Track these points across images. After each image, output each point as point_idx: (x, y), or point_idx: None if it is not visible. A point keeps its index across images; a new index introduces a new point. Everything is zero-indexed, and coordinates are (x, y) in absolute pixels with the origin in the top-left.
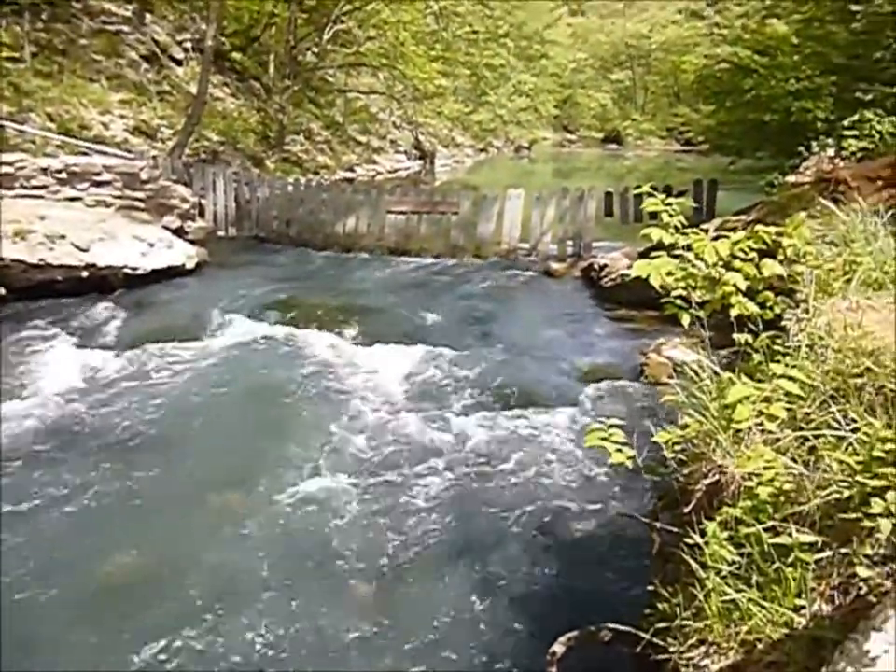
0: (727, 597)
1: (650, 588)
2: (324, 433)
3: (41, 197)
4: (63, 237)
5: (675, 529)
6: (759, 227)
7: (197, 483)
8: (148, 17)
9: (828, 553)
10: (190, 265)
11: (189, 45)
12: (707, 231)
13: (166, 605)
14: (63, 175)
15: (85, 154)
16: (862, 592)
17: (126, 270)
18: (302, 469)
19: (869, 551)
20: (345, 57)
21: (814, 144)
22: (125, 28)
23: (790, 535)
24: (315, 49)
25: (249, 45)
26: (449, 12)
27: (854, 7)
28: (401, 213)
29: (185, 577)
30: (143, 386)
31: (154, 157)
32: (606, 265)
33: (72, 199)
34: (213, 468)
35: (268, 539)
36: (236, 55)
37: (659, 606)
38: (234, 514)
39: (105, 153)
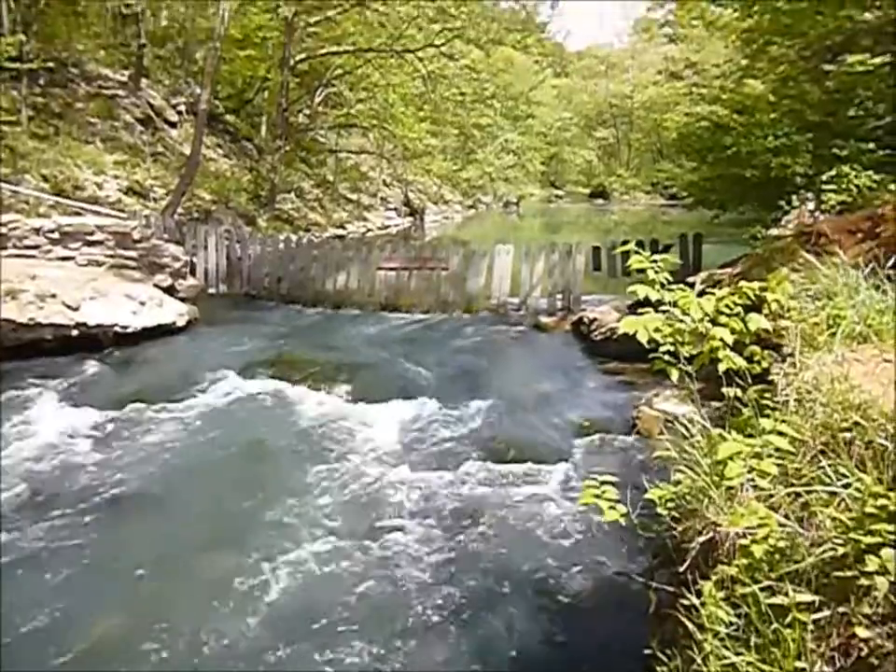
0: (726, 661)
1: (647, 651)
2: (314, 492)
3: (33, 257)
4: (53, 296)
5: (671, 589)
6: (743, 283)
7: (184, 545)
8: (144, 81)
9: (826, 612)
10: (181, 323)
11: (183, 108)
12: (693, 285)
13: (150, 669)
14: (56, 235)
15: (78, 214)
16: (863, 653)
17: (116, 328)
18: (292, 530)
19: (868, 610)
20: (336, 118)
21: (794, 198)
22: (121, 92)
23: (786, 594)
24: (307, 111)
25: (242, 107)
26: (437, 75)
27: (826, 67)
28: (392, 269)
29: (171, 642)
30: (129, 446)
31: (147, 216)
32: (595, 319)
33: (64, 258)
34: (200, 529)
35: (256, 602)
36: (229, 117)
37: (657, 669)
38: (221, 577)
39: (97, 213)
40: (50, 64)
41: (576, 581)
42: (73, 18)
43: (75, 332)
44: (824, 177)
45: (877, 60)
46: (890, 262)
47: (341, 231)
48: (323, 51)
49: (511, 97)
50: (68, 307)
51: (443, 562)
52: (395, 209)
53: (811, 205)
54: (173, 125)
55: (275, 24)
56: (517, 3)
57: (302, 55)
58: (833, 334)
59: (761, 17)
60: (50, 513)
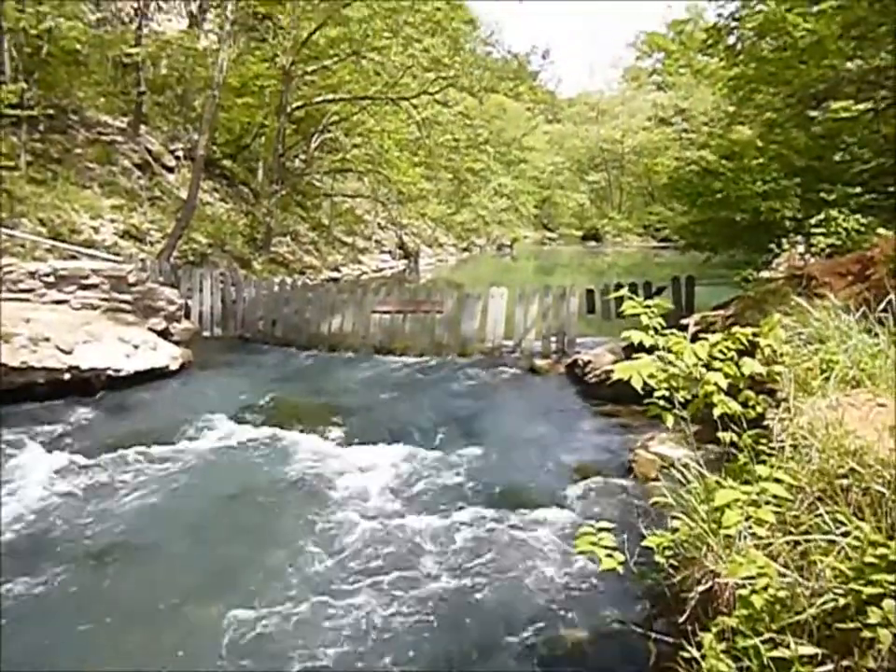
0: None
1: None
2: (306, 539)
3: (28, 300)
4: (46, 339)
5: (671, 640)
6: (736, 328)
7: (171, 595)
8: (143, 128)
9: (829, 666)
10: (174, 366)
11: (181, 153)
12: (686, 327)
13: None
14: (51, 279)
15: (74, 258)
16: None
17: (109, 372)
18: (284, 578)
19: (872, 664)
20: (332, 163)
21: (784, 241)
22: (119, 138)
23: (788, 647)
24: (303, 156)
25: (239, 152)
26: (431, 121)
27: (812, 114)
28: (386, 312)
29: None
30: (118, 492)
31: (142, 260)
32: (590, 361)
33: (58, 301)
34: (189, 578)
35: (246, 652)
36: (226, 162)
37: None
38: (211, 627)
39: (93, 257)
40: (51, 111)
41: (574, 629)
42: (74, 66)
43: (67, 376)
44: (813, 221)
45: (861, 106)
46: (881, 306)
47: (336, 274)
48: (319, 99)
49: (504, 142)
50: (61, 350)
51: (436, 609)
52: (389, 252)
53: (801, 248)
54: (170, 170)
55: (273, 73)
56: (509, 53)
57: (299, 102)
58: (827, 379)
59: (746, 66)
60: (36, 562)
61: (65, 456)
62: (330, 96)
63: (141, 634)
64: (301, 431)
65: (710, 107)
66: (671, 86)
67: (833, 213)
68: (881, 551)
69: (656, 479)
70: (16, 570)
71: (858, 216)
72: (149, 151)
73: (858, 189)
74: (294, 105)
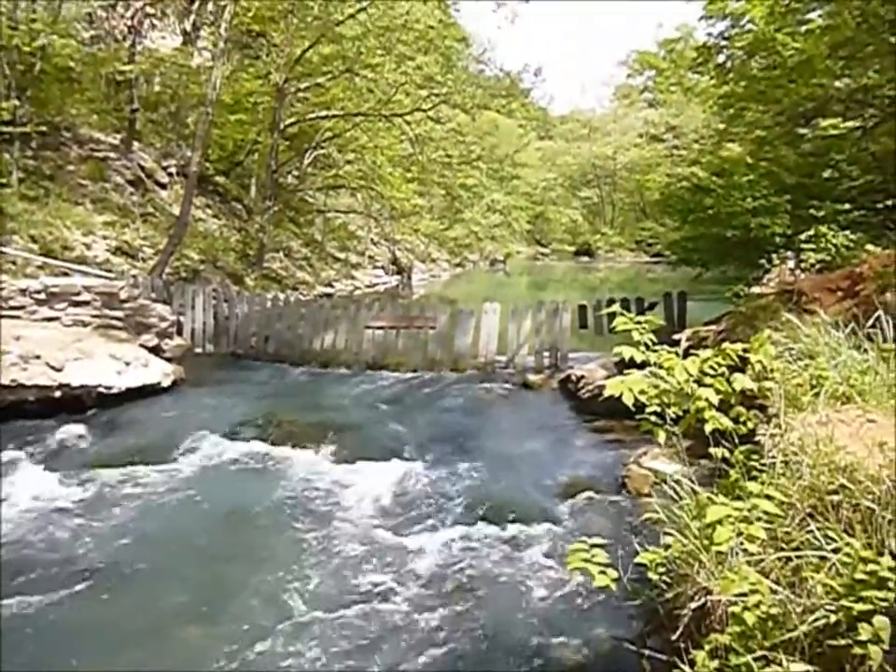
0: None
1: None
2: (299, 557)
3: (18, 318)
4: (37, 357)
5: (664, 657)
6: (726, 344)
7: (163, 616)
8: (136, 144)
9: None
10: (166, 383)
11: (174, 169)
12: (678, 342)
13: None
14: (42, 296)
15: (66, 275)
16: None
17: (100, 389)
18: (277, 597)
19: None
20: (325, 179)
21: (774, 256)
22: (112, 155)
23: (780, 664)
24: (296, 173)
25: (232, 169)
26: (424, 138)
27: (801, 131)
28: (379, 328)
29: None
30: (108, 512)
31: (135, 276)
32: (583, 376)
33: (49, 319)
34: (181, 598)
35: None
36: (219, 178)
37: None
38: (201, 648)
39: (85, 273)
40: (43, 128)
41: (567, 647)
42: (67, 83)
43: (58, 393)
44: (803, 237)
45: (849, 124)
46: (870, 322)
47: (329, 290)
48: (312, 115)
49: (496, 159)
50: (52, 368)
51: (430, 628)
52: (382, 267)
53: (791, 264)
54: (163, 186)
55: (266, 90)
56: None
57: (292, 119)
58: (817, 394)
59: (736, 84)
60: (26, 584)
61: (56, 475)
62: (324, 113)
63: (132, 655)
64: (294, 448)
65: (701, 125)
66: (662, 103)
67: (823, 229)
68: (871, 567)
69: (649, 494)
70: (5, 590)
71: (847, 232)
72: (142, 168)
73: (847, 206)
74: (287, 122)
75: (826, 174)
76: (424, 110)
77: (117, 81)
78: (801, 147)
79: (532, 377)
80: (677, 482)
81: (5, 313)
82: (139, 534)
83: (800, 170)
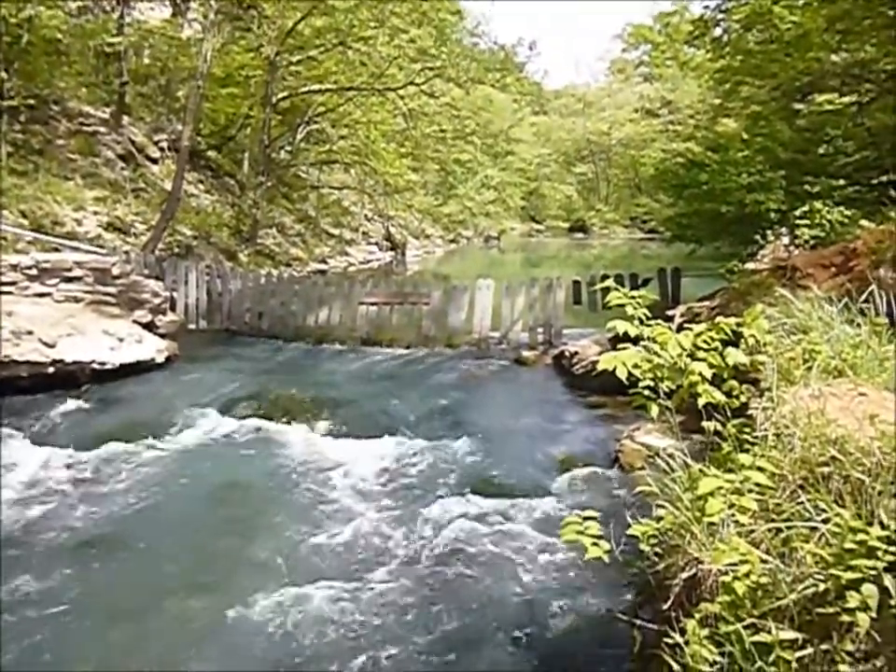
0: None
1: None
2: (292, 531)
3: (10, 293)
4: (29, 333)
5: (655, 626)
6: (720, 318)
7: (159, 589)
8: (126, 119)
9: (809, 650)
10: (160, 359)
11: (165, 144)
12: (672, 318)
13: None
14: (34, 272)
15: (57, 250)
16: None
17: (94, 365)
18: (271, 571)
19: (850, 647)
20: (318, 154)
21: (769, 232)
22: (102, 129)
23: (770, 632)
24: (289, 148)
25: (224, 144)
26: (418, 113)
27: (797, 106)
28: (373, 304)
29: None
30: (104, 487)
31: (127, 252)
32: (576, 352)
33: (41, 294)
34: (177, 572)
35: (235, 644)
36: (211, 153)
37: None
38: (198, 619)
39: (76, 249)
40: (31, 102)
41: (559, 619)
42: (55, 56)
43: (51, 369)
44: (797, 213)
45: (845, 99)
46: (863, 297)
47: (322, 266)
48: (305, 89)
49: (490, 134)
50: (45, 344)
51: (424, 600)
52: (376, 244)
53: (785, 240)
54: (154, 161)
55: (258, 63)
56: (496, 44)
57: (285, 93)
58: (810, 368)
59: (732, 58)
60: (19, 560)
61: (51, 450)
62: (316, 87)
63: (127, 627)
64: (289, 423)
65: (696, 100)
66: (658, 78)
67: (818, 205)
68: (860, 537)
69: (642, 469)
70: (2, 564)
71: (841, 208)
72: (133, 142)
73: (842, 182)
74: (279, 96)
75: (821, 149)
76: (417, 84)
77: (105, 53)
78: (796, 123)
79: (526, 353)
80: (670, 455)
81: None
82: (135, 507)
83: (795, 145)
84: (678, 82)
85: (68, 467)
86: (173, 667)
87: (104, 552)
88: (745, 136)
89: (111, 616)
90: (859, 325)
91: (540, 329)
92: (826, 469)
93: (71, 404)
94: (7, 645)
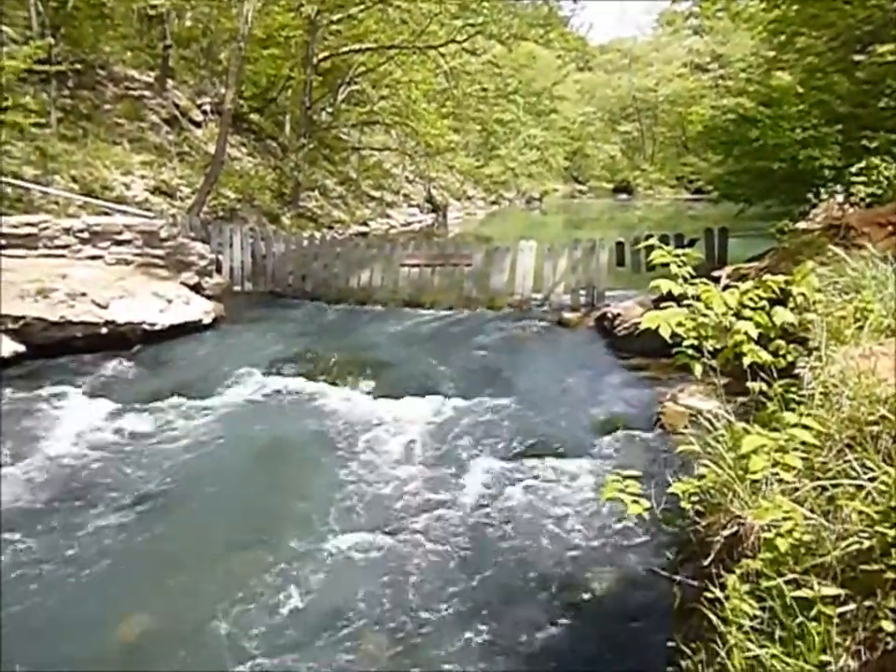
0: (750, 653)
1: (671, 644)
2: (338, 489)
3: (63, 256)
4: (83, 295)
5: (695, 583)
6: (767, 276)
7: (210, 542)
8: (170, 82)
9: (852, 606)
10: (207, 320)
11: (208, 107)
12: (718, 280)
13: (180, 667)
14: (85, 235)
15: (106, 214)
16: (889, 647)
17: (144, 326)
18: (317, 526)
19: (894, 604)
20: (359, 116)
21: (822, 191)
22: (147, 93)
23: (812, 588)
24: (330, 109)
25: (266, 106)
26: (459, 71)
27: (856, 58)
28: (415, 266)
29: (198, 639)
30: (156, 443)
31: (173, 215)
32: (619, 314)
33: (93, 257)
34: (226, 526)
35: (283, 597)
36: (253, 116)
37: (681, 663)
38: (249, 574)
39: (125, 213)
40: (78, 67)
41: (600, 576)
42: (100, 20)
43: (104, 330)
44: (853, 170)
45: None
46: None
47: (364, 229)
48: (345, 49)
49: (533, 92)
50: (98, 305)
51: (466, 557)
52: (417, 206)
53: (840, 198)
54: (198, 125)
55: (298, 23)
56: None
57: (325, 53)
58: (861, 328)
59: (787, 8)
60: (79, 510)
61: (105, 408)
62: (357, 46)
63: (180, 580)
64: (333, 384)
65: (749, 53)
66: (708, 31)
67: (875, 161)
68: None
69: (684, 430)
70: (57, 517)
71: None
72: (177, 106)
73: None
74: (320, 56)
75: (881, 103)
76: (459, 42)
77: (148, 16)
78: (855, 75)
79: (568, 315)
80: (714, 415)
81: (50, 252)
82: (186, 463)
83: (853, 99)
84: (729, 35)
85: (121, 424)
86: (227, 618)
87: (155, 506)
88: (800, 90)
89: (165, 566)
90: None
91: (583, 291)
92: (875, 429)
93: (123, 364)
94: (65, 587)
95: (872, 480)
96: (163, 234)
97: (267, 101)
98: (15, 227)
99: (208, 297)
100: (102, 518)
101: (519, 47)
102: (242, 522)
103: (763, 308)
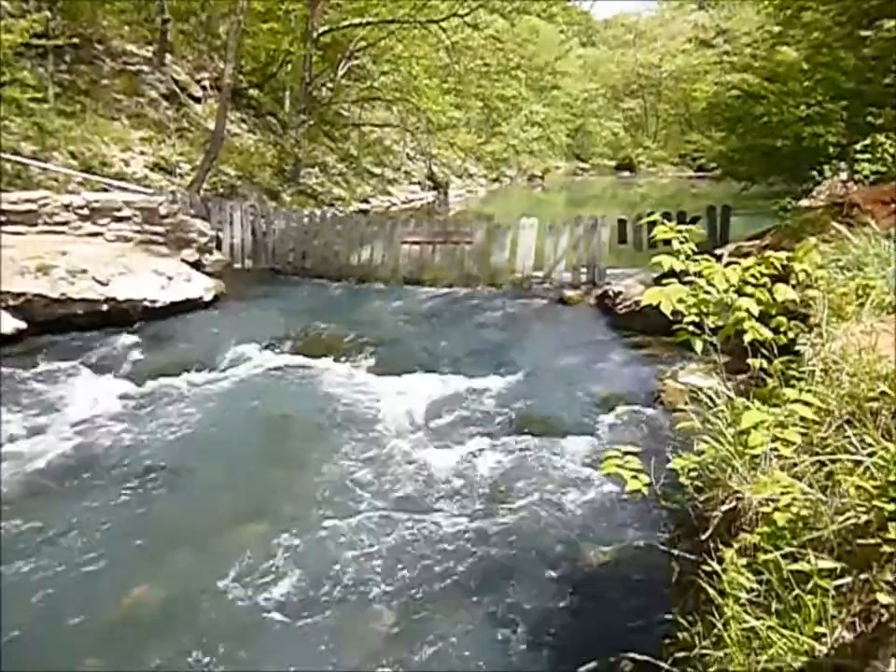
0: (747, 625)
1: (669, 617)
2: (340, 464)
3: (63, 233)
4: (84, 271)
5: (693, 557)
6: (769, 252)
7: (212, 516)
8: (168, 57)
9: (848, 579)
10: (208, 298)
11: (207, 83)
12: (720, 257)
13: (183, 639)
14: (85, 212)
15: (106, 190)
16: (884, 619)
17: (145, 303)
18: (318, 501)
19: (889, 577)
20: (360, 92)
21: (826, 168)
22: (145, 68)
23: (808, 561)
24: (330, 85)
25: (266, 82)
26: (461, 46)
27: (863, 33)
28: (416, 243)
29: (201, 611)
30: (159, 418)
31: (173, 192)
32: (620, 292)
33: (93, 234)
34: (228, 500)
35: (285, 571)
36: (253, 92)
37: (679, 635)
38: (250, 548)
39: (125, 189)
40: (76, 41)
41: (599, 550)
42: None
43: (105, 307)
44: (858, 147)
45: None
46: None
47: (364, 206)
48: (346, 23)
49: (536, 68)
50: (98, 282)
51: (467, 532)
52: (419, 183)
53: (844, 176)
54: (197, 100)
55: None
56: None
57: (325, 27)
58: (862, 304)
59: None
60: (82, 485)
61: (107, 383)
62: (357, 20)
63: (183, 551)
64: (334, 361)
65: (754, 28)
66: (713, 5)
67: (880, 138)
68: None
69: (684, 408)
70: (61, 491)
71: None
72: (176, 81)
73: None
74: (320, 31)
75: (888, 79)
76: (461, 16)
77: None
78: (861, 51)
79: (569, 293)
80: (714, 392)
81: (50, 228)
82: (189, 438)
83: (859, 75)
84: (734, 9)
85: (123, 399)
86: (229, 591)
87: (158, 481)
88: (805, 66)
89: (170, 540)
90: None
91: (584, 269)
92: (875, 405)
93: (124, 340)
94: (72, 563)
95: (870, 455)
96: (163, 211)
97: (267, 76)
98: (14, 203)
99: (209, 274)
100: (102, 493)
101: (521, 21)
102: (241, 497)
103: (764, 285)
